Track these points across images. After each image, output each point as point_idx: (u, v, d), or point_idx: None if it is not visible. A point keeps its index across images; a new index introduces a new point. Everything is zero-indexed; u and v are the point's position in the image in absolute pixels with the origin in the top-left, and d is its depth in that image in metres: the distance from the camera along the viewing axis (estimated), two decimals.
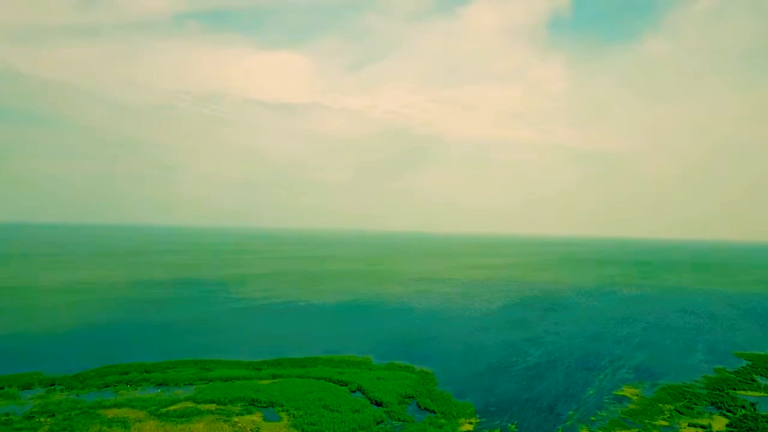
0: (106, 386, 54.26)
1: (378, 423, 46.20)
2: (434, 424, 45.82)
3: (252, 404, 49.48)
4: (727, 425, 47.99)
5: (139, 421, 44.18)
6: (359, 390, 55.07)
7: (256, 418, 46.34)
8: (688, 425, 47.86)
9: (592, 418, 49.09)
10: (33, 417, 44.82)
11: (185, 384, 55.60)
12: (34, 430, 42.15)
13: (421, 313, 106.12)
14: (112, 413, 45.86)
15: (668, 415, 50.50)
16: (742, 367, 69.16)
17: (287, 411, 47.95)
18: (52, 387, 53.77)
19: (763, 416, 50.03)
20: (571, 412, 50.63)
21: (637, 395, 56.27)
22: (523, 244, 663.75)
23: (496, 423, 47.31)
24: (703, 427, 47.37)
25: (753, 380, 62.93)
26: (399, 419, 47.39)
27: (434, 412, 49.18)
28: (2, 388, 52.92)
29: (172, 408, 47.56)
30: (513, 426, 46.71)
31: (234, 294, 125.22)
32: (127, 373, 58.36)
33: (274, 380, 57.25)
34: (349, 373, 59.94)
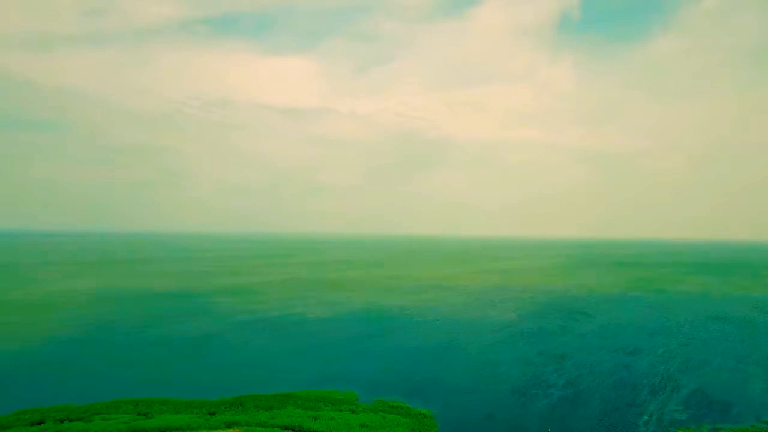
0: None
1: None
2: None
3: None
4: None
5: None
6: None
7: None
8: None
9: None
10: None
11: None
12: None
13: (423, 330, 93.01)
14: None
15: None
16: None
17: None
18: None
19: None
20: None
21: None
22: (536, 246, 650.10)
23: None
24: None
25: None
26: None
27: None
28: None
29: None
30: None
31: (215, 308, 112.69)
32: (41, 422, 45.80)
33: (228, 431, 44.44)
34: (326, 418, 47.05)
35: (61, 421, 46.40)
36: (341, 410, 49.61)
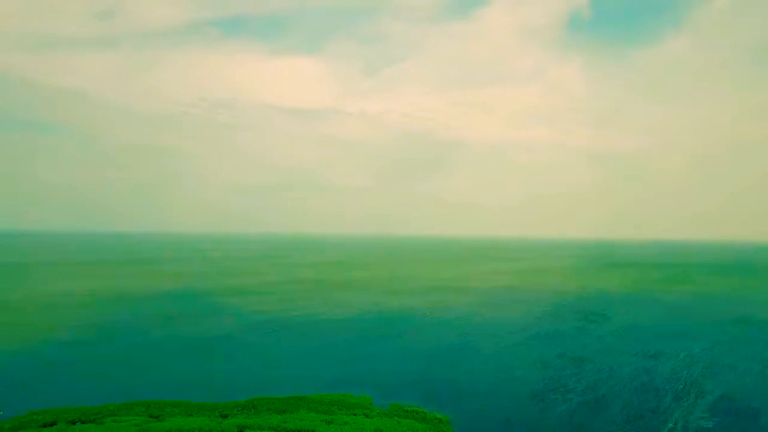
0: None
1: None
2: None
3: None
4: None
5: None
6: None
7: None
8: None
9: None
10: None
11: None
12: None
13: (437, 331, 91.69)
14: None
15: None
16: None
17: None
18: None
19: None
20: None
21: None
22: (549, 247, 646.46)
23: None
24: None
25: None
26: None
27: None
28: None
29: None
30: None
31: (226, 309, 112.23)
32: (53, 424, 45.23)
33: None
34: (340, 423, 46.01)
35: (74, 423, 45.84)
36: (355, 414, 48.56)
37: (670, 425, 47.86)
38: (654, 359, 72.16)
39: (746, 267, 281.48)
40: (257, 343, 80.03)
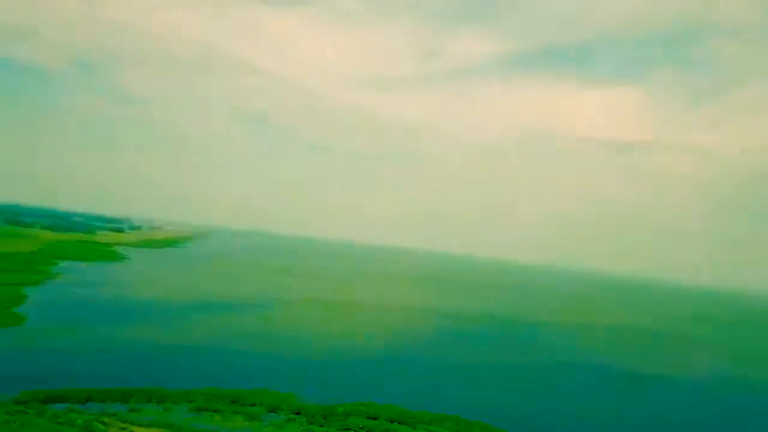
0: (347, 429, 45.84)
1: None
2: None
3: None
4: None
5: None
6: None
7: None
8: None
9: None
10: None
11: None
12: None
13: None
14: None
15: None
16: None
17: None
18: (296, 416, 48.03)
19: None
20: None
21: None
22: None
23: None
24: None
25: None
26: None
27: None
28: (253, 404, 49.56)
29: None
30: None
31: (556, 341, 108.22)
32: (375, 418, 48.90)
33: None
34: None
35: (391, 422, 48.79)
36: None
37: None
38: None
39: None
40: (574, 381, 74.48)
